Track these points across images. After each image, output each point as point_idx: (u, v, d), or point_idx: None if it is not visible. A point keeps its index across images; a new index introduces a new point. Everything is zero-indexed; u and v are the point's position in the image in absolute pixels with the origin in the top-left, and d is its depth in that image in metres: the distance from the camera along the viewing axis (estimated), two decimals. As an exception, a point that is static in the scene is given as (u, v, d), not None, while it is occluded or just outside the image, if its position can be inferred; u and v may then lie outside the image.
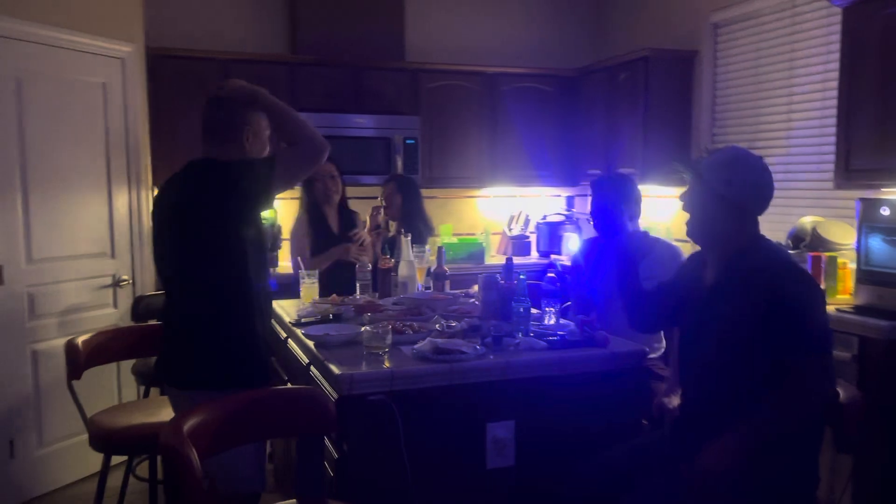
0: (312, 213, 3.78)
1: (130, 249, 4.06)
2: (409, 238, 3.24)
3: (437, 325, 2.52)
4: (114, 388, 3.92)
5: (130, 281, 4.02)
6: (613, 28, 5.50)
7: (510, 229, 5.36)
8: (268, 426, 1.89)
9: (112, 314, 3.93)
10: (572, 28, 5.66)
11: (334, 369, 2.14)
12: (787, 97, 4.00)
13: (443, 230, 5.02)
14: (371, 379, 2.10)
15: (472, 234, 5.27)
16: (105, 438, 2.58)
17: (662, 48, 4.66)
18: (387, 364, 2.19)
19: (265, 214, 2.72)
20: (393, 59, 4.97)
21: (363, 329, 2.32)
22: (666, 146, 4.55)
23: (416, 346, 2.26)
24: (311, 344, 2.46)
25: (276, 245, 4.26)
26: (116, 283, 3.94)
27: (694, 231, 2.10)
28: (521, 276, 2.48)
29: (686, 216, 2.11)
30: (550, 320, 2.72)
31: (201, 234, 2.20)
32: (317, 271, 3.24)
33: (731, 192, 1.97)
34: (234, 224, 2.18)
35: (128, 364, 3.69)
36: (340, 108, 4.77)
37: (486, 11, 5.46)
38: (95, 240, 3.85)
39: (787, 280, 1.93)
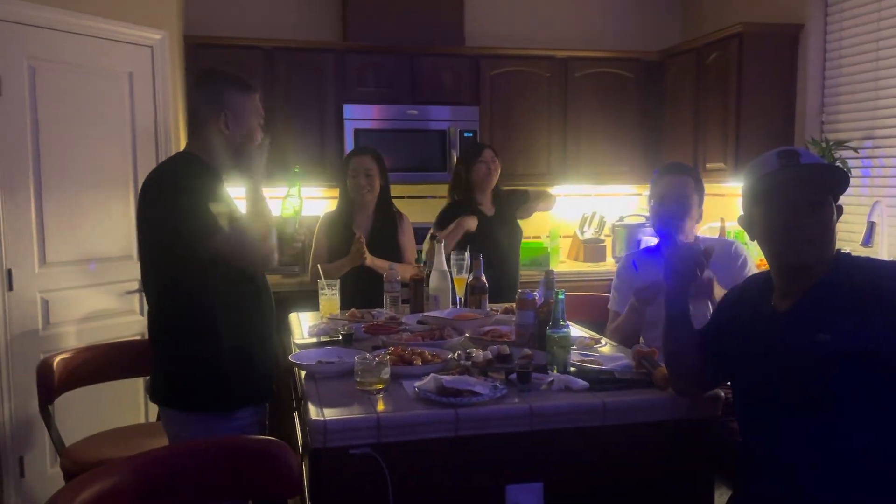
0: (338, 213, 3.33)
1: (159, 252, 3.76)
2: (443, 244, 2.78)
3: (454, 354, 2.04)
4: (140, 402, 3.63)
5: (158, 286, 3.71)
6: (702, 3, 4.84)
7: (582, 232, 4.80)
8: (204, 491, 1.47)
9: (137, 322, 3.64)
10: (655, 5, 5.03)
11: (311, 412, 1.71)
12: (916, 75, 3.30)
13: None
14: (350, 428, 1.65)
15: (538, 238, 4.74)
16: (76, 474, 2.24)
17: (759, 23, 4.00)
18: (380, 406, 1.74)
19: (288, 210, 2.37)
20: (452, 44, 4.49)
21: (356, 359, 1.88)
22: (763, 138, 3.88)
23: (417, 384, 1.79)
24: (302, 374, 2.04)
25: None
26: (142, 289, 3.65)
27: (813, 247, 1.57)
28: (559, 295, 1.97)
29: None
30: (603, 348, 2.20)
31: (148, 240, 2.01)
32: (338, 281, 2.82)
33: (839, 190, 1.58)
34: (181, 239, 1.93)
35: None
36: (393, 98, 4.36)
37: (557, -11, 4.92)
38: (119, 242, 3.56)
39: None
